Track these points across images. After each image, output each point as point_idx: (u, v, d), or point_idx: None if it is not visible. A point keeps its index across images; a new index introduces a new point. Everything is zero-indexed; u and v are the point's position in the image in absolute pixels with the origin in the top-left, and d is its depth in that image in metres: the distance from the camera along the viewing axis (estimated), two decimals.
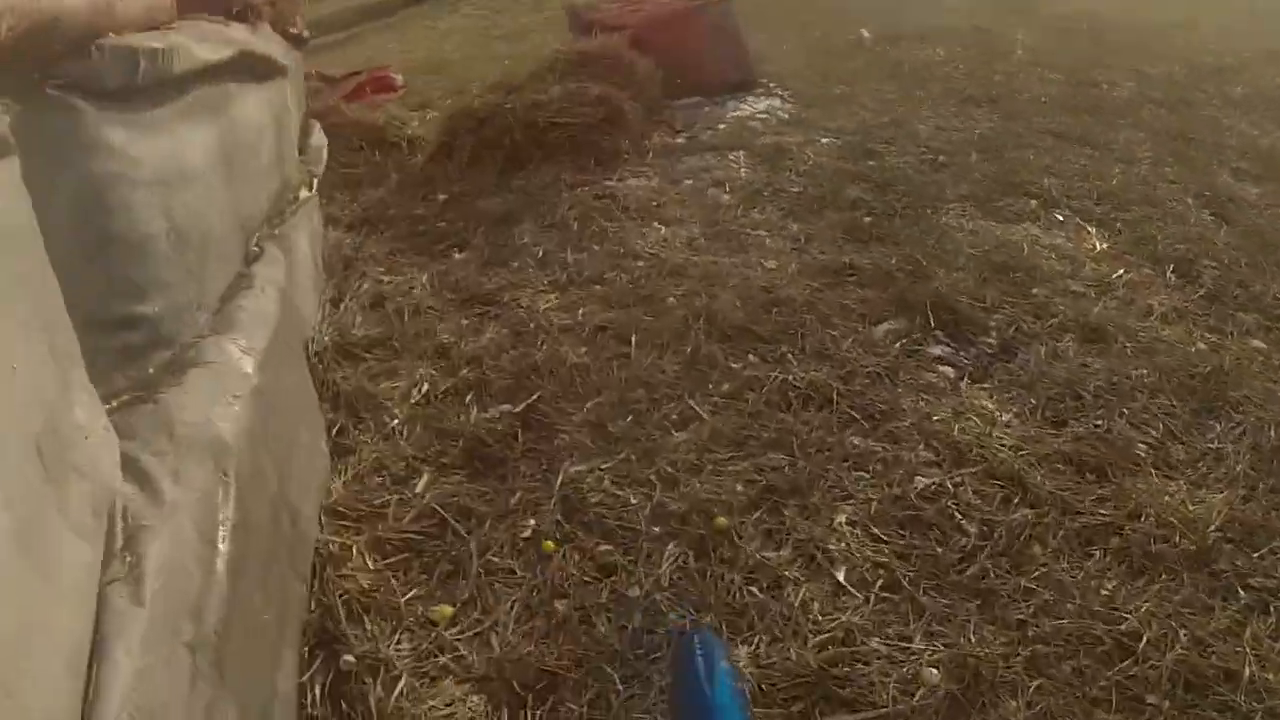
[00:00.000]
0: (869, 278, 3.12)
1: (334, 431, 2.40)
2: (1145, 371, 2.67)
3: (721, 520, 2.05)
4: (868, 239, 3.47)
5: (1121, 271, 3.32)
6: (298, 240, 2.81)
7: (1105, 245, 3.55)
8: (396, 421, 2.45)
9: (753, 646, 1.77)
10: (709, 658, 1.48)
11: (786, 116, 5.11)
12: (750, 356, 2.67)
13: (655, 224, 3.58)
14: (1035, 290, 3.09)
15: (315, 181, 3.28)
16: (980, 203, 3.85)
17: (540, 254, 3.37)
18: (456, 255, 3.45)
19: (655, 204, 3.80)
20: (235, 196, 2.23)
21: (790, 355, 2.65)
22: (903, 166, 4.25)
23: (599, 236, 3.47)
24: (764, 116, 5.10)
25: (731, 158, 4.38)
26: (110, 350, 1.51)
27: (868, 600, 1.87)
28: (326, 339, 2.79)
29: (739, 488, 2.16)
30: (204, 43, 2.08)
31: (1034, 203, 3.89)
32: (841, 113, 5.14)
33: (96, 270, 1.51)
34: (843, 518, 2.08)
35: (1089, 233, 3.65)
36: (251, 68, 2.60)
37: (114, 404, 1.47)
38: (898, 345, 2.75)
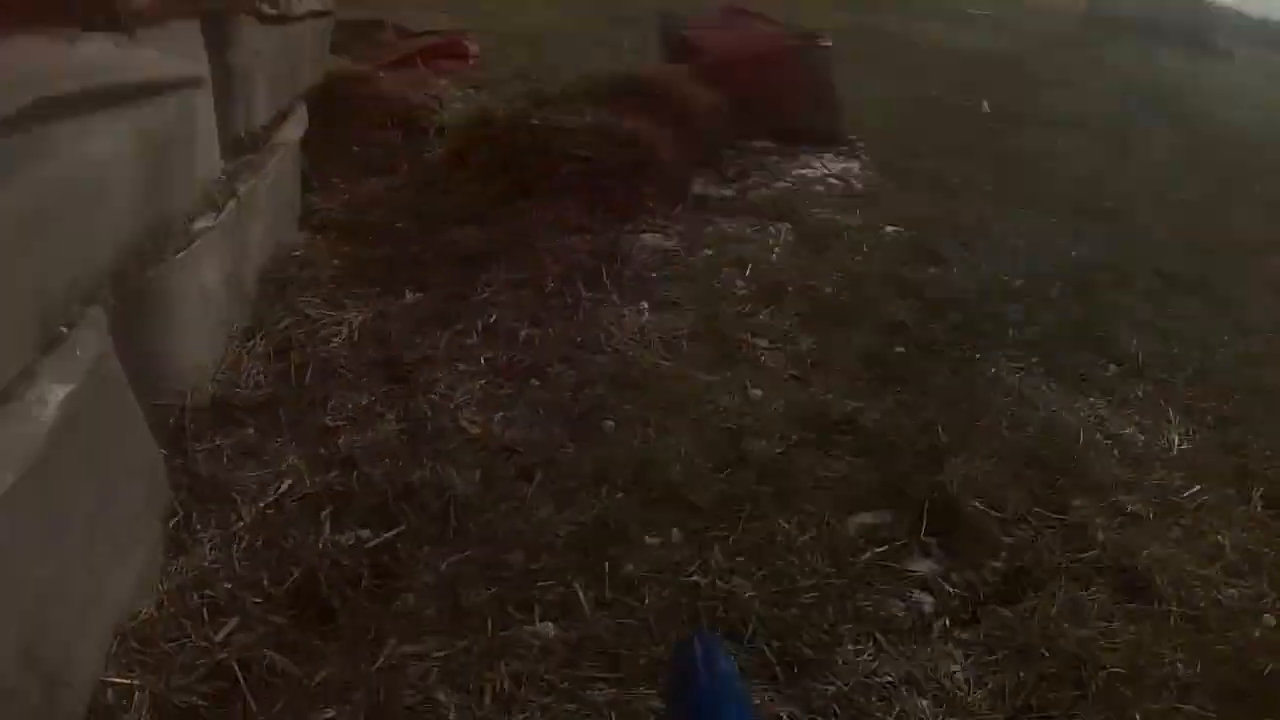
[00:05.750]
0: (866, 443, 2.50)
1: (173, 524, 2.00)
2: (1182, 658, 2.06)
3: None
4: (888, 379, 2.85)
5: (1197, 489, 2.67)
6: (182, 282, 2.36)
7: (1185, 444, 2.89)
8: (241, 525, 2.03)
9: None
10: (710, 658, 1.29)
11: (859, 187, 4.52)
12: (673, 531, 2.10)
13: (641, 304, 3.03)
14: (1077, 503, 2.45)
15: (232, 203, 2.78)
16: (1045, 356, 3.16)
17: (492, 318, 2.85)
18: (408, 296, 2.98)
19: (654, 275, 3.27)
20: (32, 258, 1.70)
21: (720, 545, 2.07)
22: (966, 285, 3.59)
23: (568, 310, 2.95)
24: (834, 182, 4.52)
25: (773, 230, 3.81)
26: None
27: None
28: (210, 390, 2.37)
29: None
30: None
31: (1112, 368, 3.22)
32: (921, 196, 4.52)
33: None
34: None
35: (1169, 423, 2.99)
36: (100, 97, 1.96)
37: None
38: (871, 551, 2.13)
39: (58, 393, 1.66)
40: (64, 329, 1.80)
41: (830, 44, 5.36)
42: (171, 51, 2.39)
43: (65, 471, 1.64)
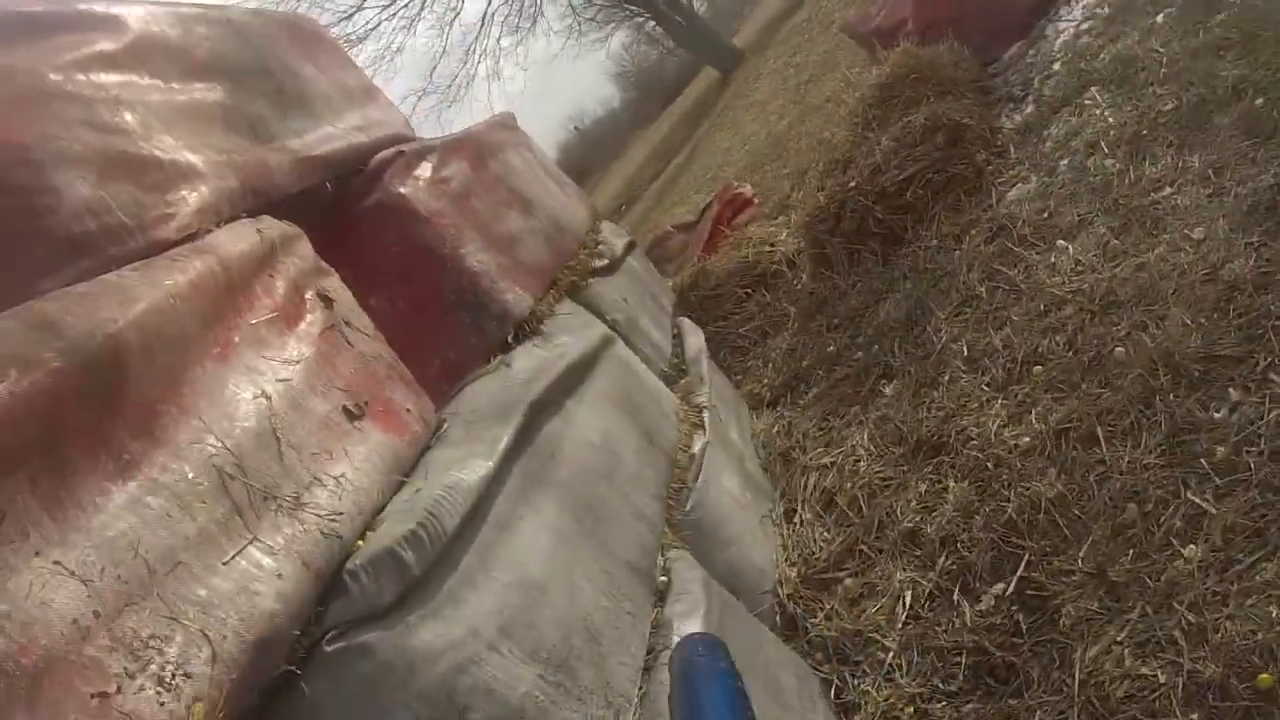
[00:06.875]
0: None
1: (833, 692, 2.37)
2: None
3: (1265, 678, 1.72)
4: (1276, 131, 2.88)
5: None
6: (714, 496, 2.62)
7: None
8: (892, 654, 2.35)
9: None
10: (711, 660, 1.42)
11: (1108, 10, 4.59)
12: (1231, 392, 2.23)
13: (1059, 243, 3.27)
14: None
15: (707, 414, 3.07)
16: None
17: (965, 350, 3.21)
18: (886, 390, 3.41)
19: (1046, 214, 3.51)
20: (606, 551, 2.00)
21: (1273, 371, 2.17)
22: (1255, 5, 3.48)
23: (1013, 296, 3.25)
24: (1088, 26, 4.63)
25: (1088, 101, 3.97)
26: None
27: None
28: (793, 574, 2.76)
29: (1274, 612, 1.77)
30: (473, 440, 1.82)
31: None
32: None
33: None
34: None
35: None
36: (564, 390, 2.28)
37: None
38: None
39: (698, 606, 1.98)
40: (663, 578, 2.15)
41: None
42: (576, 328, 2.78)
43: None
